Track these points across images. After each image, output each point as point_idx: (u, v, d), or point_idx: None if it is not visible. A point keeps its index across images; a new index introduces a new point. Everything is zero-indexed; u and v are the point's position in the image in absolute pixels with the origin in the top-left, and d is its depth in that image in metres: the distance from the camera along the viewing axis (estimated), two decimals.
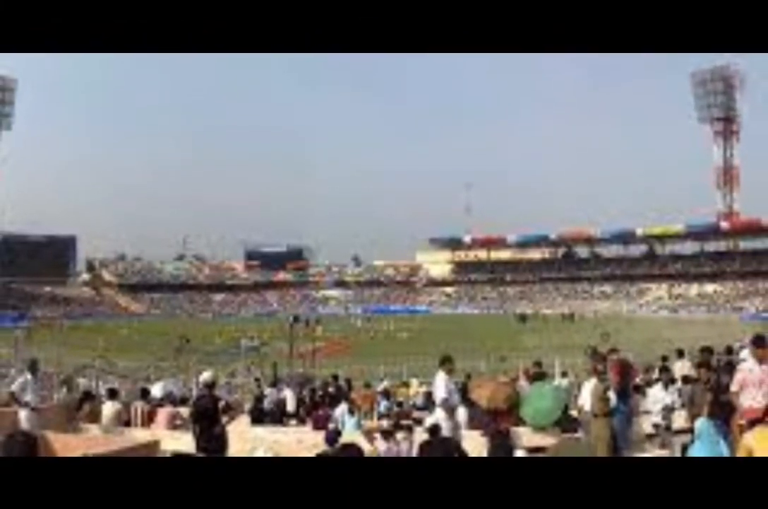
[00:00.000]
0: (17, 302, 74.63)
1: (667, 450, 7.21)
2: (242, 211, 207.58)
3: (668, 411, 8.17)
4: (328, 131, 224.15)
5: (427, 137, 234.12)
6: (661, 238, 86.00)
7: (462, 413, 7.76)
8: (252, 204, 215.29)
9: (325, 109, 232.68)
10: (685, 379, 8.64)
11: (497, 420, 7.17)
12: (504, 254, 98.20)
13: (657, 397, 8.45)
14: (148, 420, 9.16)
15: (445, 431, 6.53)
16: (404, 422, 8.46)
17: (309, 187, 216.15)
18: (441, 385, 7.18)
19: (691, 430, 5.64)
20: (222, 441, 6.49)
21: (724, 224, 79.47)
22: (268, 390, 13.00)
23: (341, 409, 9.58)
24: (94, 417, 8.96)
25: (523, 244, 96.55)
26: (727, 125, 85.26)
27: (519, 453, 5.95)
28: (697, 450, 4.43)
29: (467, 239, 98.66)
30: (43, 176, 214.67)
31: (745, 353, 8.69)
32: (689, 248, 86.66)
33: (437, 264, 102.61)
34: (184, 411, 8.92)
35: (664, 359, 11.96)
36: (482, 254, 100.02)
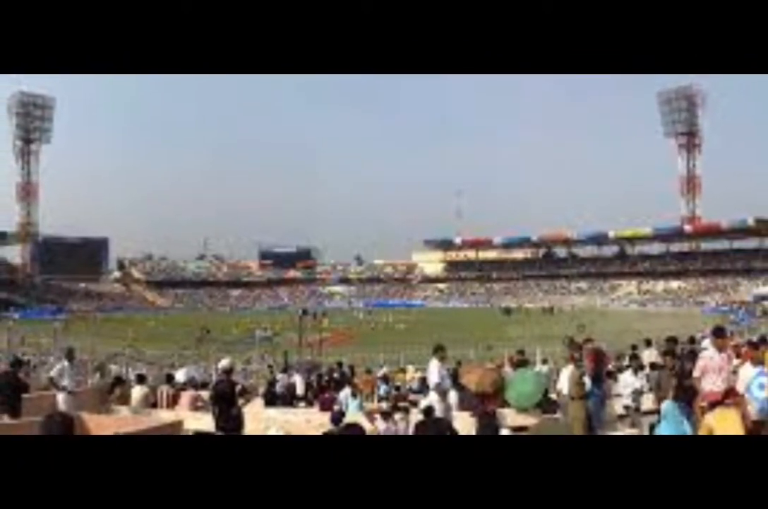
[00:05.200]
0: (55, 297, 74.62)
1: (636, 429, 7.22)
2: (257, 215, 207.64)
3: (637, 394, 8.18)
4: (333, 143, 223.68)
5: (422, 150, 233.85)
6: (631, 239, 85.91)
7: (453, 396, 7.75)
8: (266, 209, 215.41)
9: (330, 125, 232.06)
10: (653, 366, 8.65)
11: (485, 403, 7.16)
12: (491, 254, 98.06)
13: (627, 382, 8.45)
14: (173, 402, 9.17)
15: (438, 412, 6.54)
16: (401, 404, 8.47)
17: (316, 194, 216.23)
18: (434, 371, 7.18)
19: (657, 411, 5.65)
20: (239, 421, 6.49)
21: (688, 228, 79.45)
22: (279, 376, 12.99)
23: (345, 393, 9.56)
24: (125, 399, 8.97)
25: (508, 245, 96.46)
26: (690, 139, 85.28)
27: (504, 432, 5.97)
28: (663, 429, 4.43)
29: (458, 240, 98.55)
30: (79, 184, 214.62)
31: (706, 343, 8.69)
32: (656, 248, 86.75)
33: (431, 263, 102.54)
34: (205, 394, 8.92)
35: (634, 347, 11.98)
36: (471, 254, 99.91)
